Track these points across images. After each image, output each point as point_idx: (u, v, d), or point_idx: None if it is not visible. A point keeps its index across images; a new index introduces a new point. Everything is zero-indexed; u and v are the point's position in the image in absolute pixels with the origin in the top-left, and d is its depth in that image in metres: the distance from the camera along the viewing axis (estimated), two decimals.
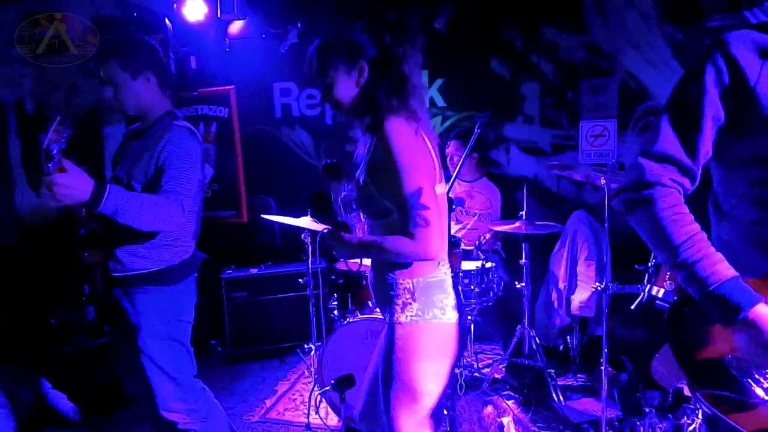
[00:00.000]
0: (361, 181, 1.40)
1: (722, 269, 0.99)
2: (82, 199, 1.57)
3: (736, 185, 1.10)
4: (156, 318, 1.83)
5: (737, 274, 0.99)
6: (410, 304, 1.41)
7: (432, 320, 1.41)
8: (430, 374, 1.42)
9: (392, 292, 1.43)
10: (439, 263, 1.44)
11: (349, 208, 1.55)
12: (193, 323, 1.96)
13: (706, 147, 1.05)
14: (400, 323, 1.42)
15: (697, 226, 1.04)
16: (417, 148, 1.34)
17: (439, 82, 3.79)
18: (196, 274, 1.98)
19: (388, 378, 1.44)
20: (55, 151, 1.53)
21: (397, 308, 1.42)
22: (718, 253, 1.01)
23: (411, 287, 1.42)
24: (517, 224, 2.85)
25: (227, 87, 4.04)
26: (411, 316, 1.41)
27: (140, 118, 1.94)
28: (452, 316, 1.44)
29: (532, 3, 3.44)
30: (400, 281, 1.42)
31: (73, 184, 1.54)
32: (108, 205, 1.60)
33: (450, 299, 1.45)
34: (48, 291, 3.57)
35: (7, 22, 3.74)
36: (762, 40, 1.01)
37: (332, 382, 1.95)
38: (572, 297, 3.15)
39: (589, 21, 3.37)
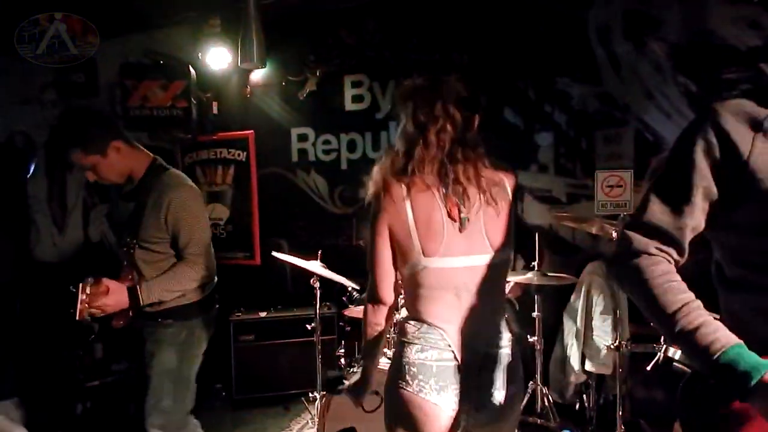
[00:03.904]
0: None
1: (724, 336, 0.91)
2: (124, 307, 1.81)
3: (741, 254, 1.03)
4: (171, 350, 1.91)
5: (741, 341, 0.91)
6: None
7: None
8: None
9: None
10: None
11: None
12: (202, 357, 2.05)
13: (696, 220, 1.00)
14: None
15: (691, 295, 0.97)
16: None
17: None
18: (217, 306, 2.10)
19: None
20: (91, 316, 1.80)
21: None
22: (717, 321, 0.94)
23: None
24: (529, 275, 2.78)
25: (246, 132, 4.14)
26: None
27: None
28: None
29: (545, 53, 3.48)
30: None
31: (115, 301, 1.79)
32: (146, 300, 1.83)
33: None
34: (61, 328, 3.60)
35: (40, 69, 3.93)
36: (754, 110, 0.96)
37: None
38: (588, 352, 3.02)
39: (602, 71, 3.39)
